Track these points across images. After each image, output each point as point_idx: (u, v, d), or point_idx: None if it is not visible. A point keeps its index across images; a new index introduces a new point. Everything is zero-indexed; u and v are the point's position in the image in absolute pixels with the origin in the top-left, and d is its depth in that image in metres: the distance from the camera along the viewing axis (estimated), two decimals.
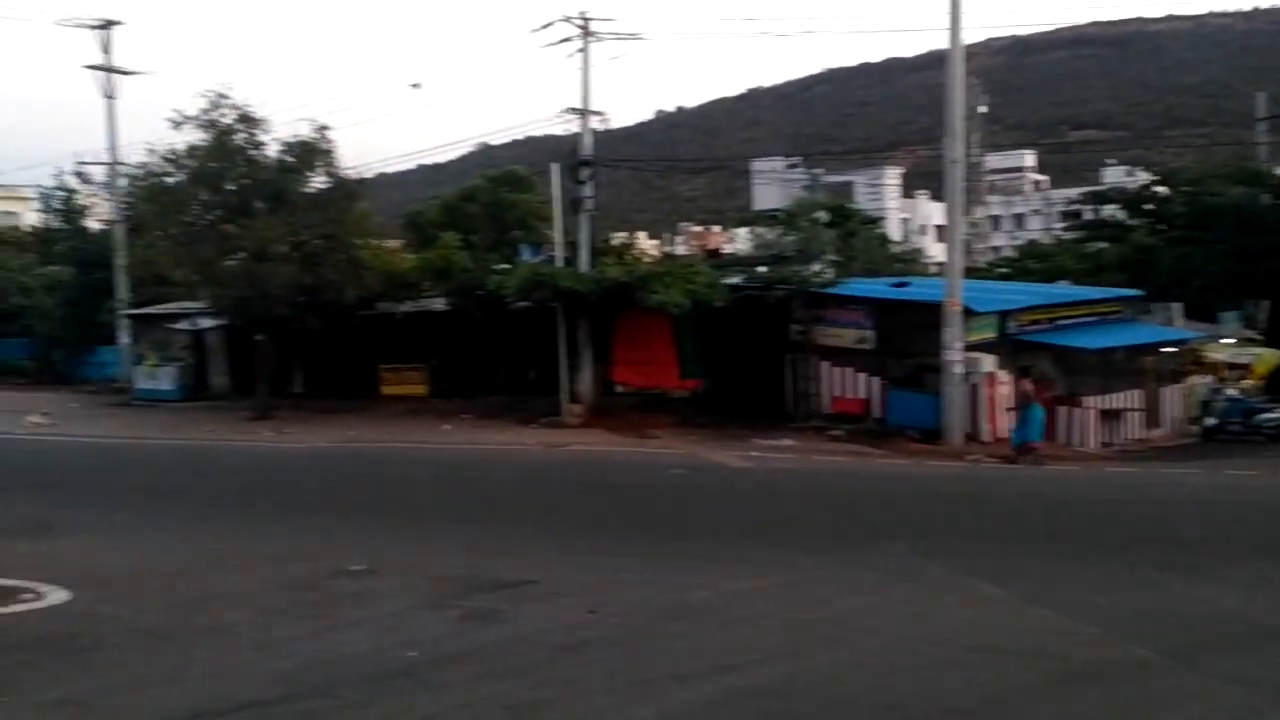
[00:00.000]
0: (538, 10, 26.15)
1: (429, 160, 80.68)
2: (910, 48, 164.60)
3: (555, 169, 23.45)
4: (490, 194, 33.81)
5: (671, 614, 7.41)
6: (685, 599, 7.81)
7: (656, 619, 7.28)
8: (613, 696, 5.65)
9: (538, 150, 46.45)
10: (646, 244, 44.05)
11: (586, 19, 23.87)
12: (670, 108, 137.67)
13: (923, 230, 65.75)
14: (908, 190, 71.91)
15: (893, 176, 68.89)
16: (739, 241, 32.49)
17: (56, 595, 7.85)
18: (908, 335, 20.52)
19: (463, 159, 69.58)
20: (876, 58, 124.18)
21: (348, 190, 24.96)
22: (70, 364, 37.13)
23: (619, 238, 33.80)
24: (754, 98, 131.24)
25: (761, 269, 23.98)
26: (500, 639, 6.79)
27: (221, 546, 10.28)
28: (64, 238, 38.00)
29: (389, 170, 50.80)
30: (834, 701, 5.71)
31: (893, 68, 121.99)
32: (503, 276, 22.69)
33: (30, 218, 54.22)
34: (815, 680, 6.02)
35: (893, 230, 54.24)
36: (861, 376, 21.13)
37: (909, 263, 39.31)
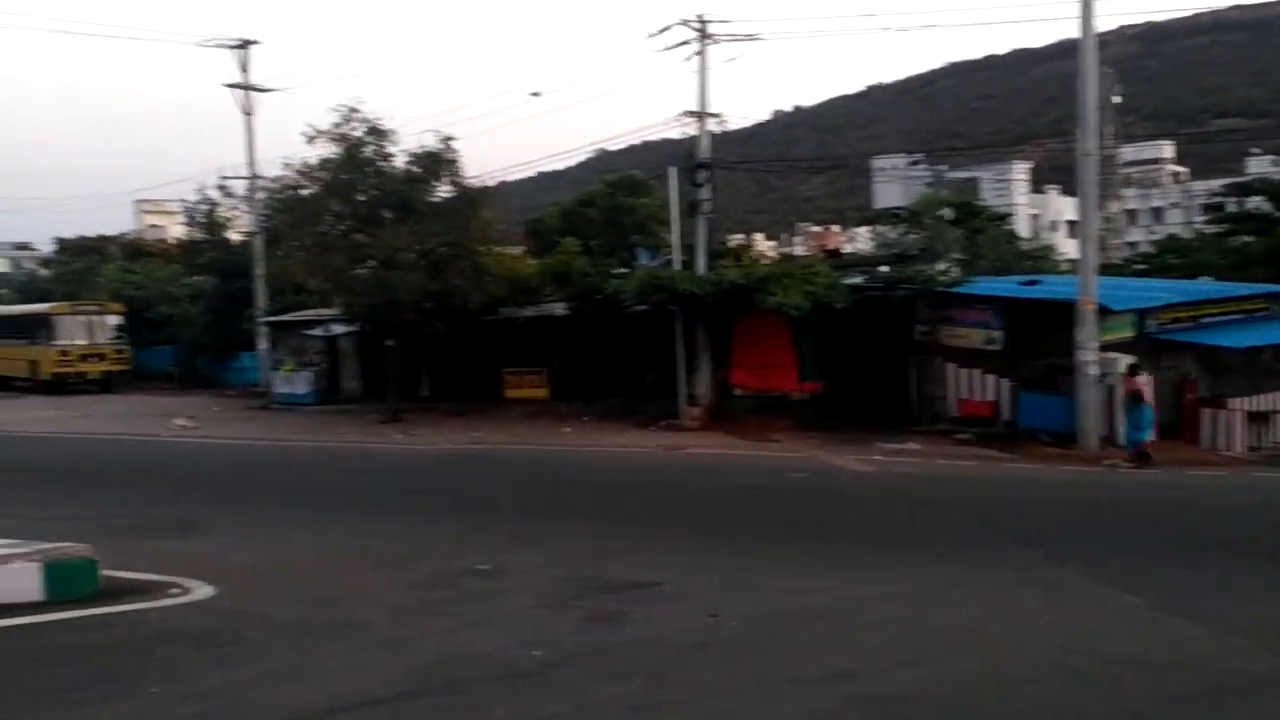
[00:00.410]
0: (655, 15, 26.30)
1: (548, 167, 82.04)
2: (1038, 38, 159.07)
3: (672, 172, 23.48)
4: (608, 199, 34.16)
5: (793, 618, 7.33)
6: (807, 603, 7.71)
7: (778, 623, 7.22)
8: (734, 700, 5.62)
9: (655, 155, 46.67)
10: (764, 245, 43.79)
11: (704, 21, 23.83)
12: (788, 107, 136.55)
13: (1054, 226, 63.55)
14: (1037, 185, 69.41)
15: (1021, 171, 66.68)
16: (859, 241, 31.95)
17: (201, 590, 8.24)
18: (1039, 335, 19.79)
19: (581, 165, 70.37)
20: (1002, 49, 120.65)
21: (472, 199, 25.51)
22: (213, 369, 39.09)
23: (736, 240, 33.70)
24: (874, 95, 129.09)
25: (883, 269, 23.51)
26: (623, 640, 6.84)
27: (354, 545, 10.66)
28: (207, 249, 39.94)
29: (510, 178, 51.66)
30: (961, 711, 5.56)
31: (1020, 59, 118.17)
32: (621, 280, 22.84)
33: (176, 231, 57.23)
34: (942, 689, 5.87)
35: (1021, 227, 52.57)
36: (990, 378, 20.48)
37: (1039, 260, 37.97)
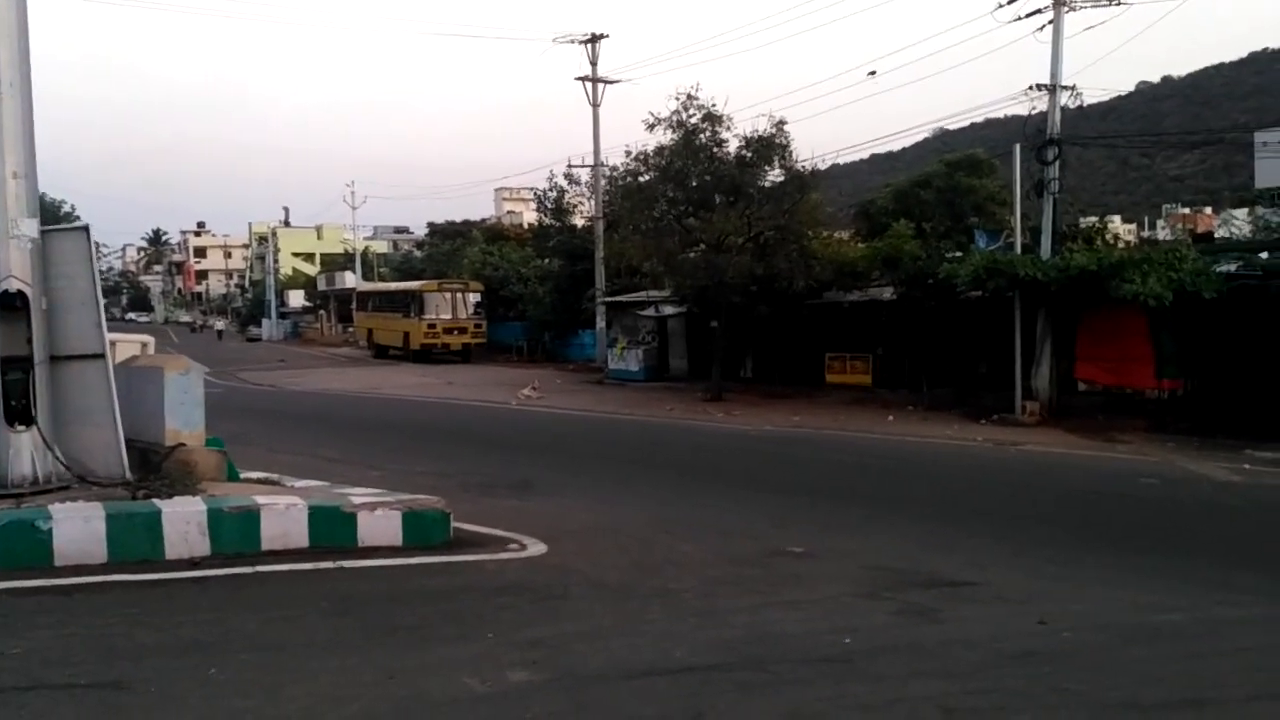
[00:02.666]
0: None
1: (883, 149, 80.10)
2: None
3: (1016, 150, 22.08)
4: (946, 179, 32.79)
5: (1132, 635, 6.69)
6: (1150, 620, 7.01)
7: (1114, 638, 6.61)
8: (1058, 714, 5.22)
9: (998, 133, 44.17)
10: (1121, 229, 40.12)
11: None
12: (1154, 78, 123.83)
13: None
14: None
15: None
16: (1235, 225, 28.43)
17: (536, 547, 8.86)
18: None
19: (918, 145, 68.22)
20: None
21: (801, 182, 25.45)
22: (557, 345, 41.96)
23: (1088, 222, 31.09)
24: (1258, 61, 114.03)
25: (1263, 255, 20.78)
26: (937, 638, 6.55)
27: (674, 514, 11.03)
28: (555, 233, 42.86)
29: (842, 160, 51.03)
30: None
31: None
32: (955, 264, 21.86)
33: (530, 216, 61.74)
34: None
35: None
36: None
37: None
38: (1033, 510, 12.00)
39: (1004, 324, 21.35)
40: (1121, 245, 25.58)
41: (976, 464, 15.84)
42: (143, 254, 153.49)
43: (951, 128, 60.99)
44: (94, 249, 8.73)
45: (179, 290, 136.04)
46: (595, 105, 37.85)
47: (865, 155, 71.52)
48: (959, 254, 23.38)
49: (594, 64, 37.79)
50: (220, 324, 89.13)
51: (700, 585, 7.78)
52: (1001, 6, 22.59)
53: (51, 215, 70.53)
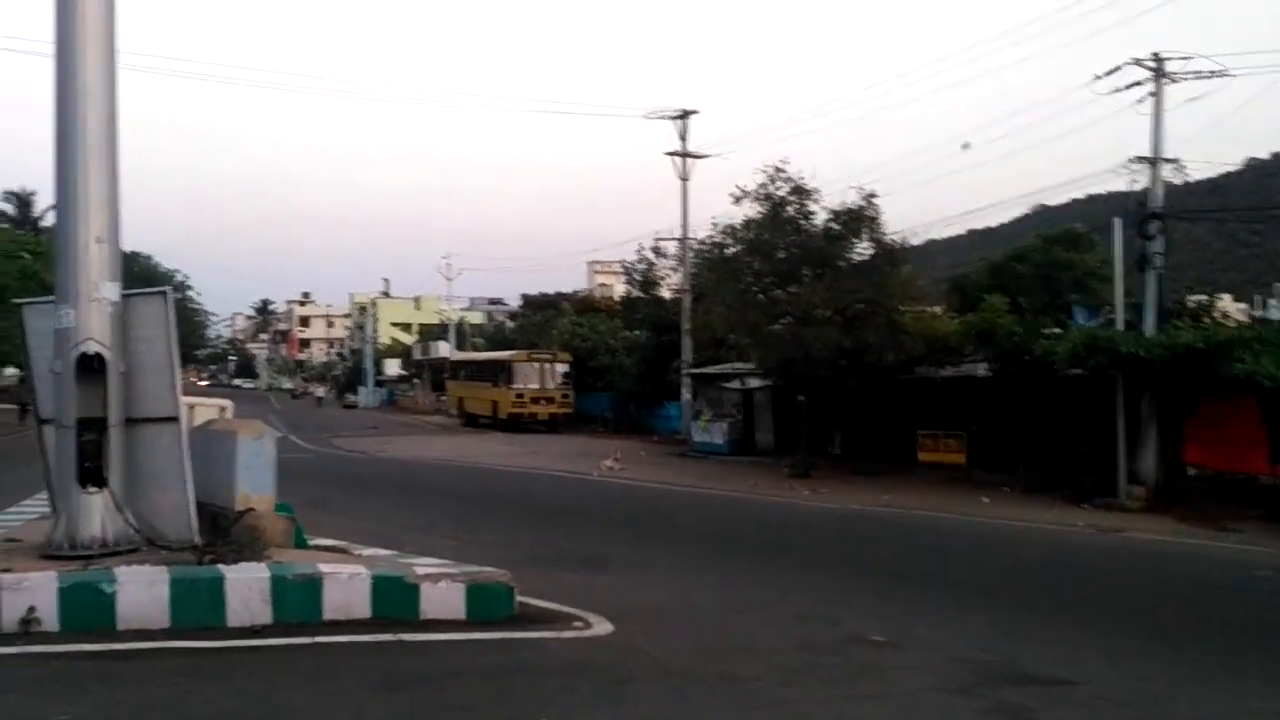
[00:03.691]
0: (1101, 57, 24.24)
1: (980, 224, 78.92)
2: None
3: (1117, 224, 21.30)
4: (1043, 254, 32.01)
5: None
6: None
7: None
8: None
9: (1099, 209, 43.03)
10: (1231, 307, 38.50)
11: (1160, 60, 21.59)
12: (1264, 154, 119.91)
13: None
14: None
15: None
16: None
17: (601, 626, 8.51)
18: None
19: (1016, 221, 66.85)
20: None
21: (891, 255, 25.01)
22: (642, 416, 41.76)
23: (1196, 300, 29.88)
24: None
25: None
26: None
27: (750, 596, 10.58)
28: (642, 305, 43.00)
29: (938, 235, 50.35)
30: None
31: None
32: (1053, 341, 21.06)
33: (620, 289, 62.23)
34: None
35: None
36: None
37: None
38: (1136, 603, 11.18)
39: (1106, 403, 20.39)
40: (1232, 323, 24.42)
41: (1076, 551, 14.97)
42: (250, 322, 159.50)
43: (1051, 203, 59.79)
44: (171, 313, 8.82)
45: (283, 357, 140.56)
46: (684, 179, 38.13)
47: (963, 230, 70.44)
48: (1057, 330, 22.56)
49: (683, 139, 38.15)
50: (320, 391, 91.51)
51: (772, 673, 7.34)
52: (1099, 78, 22.06)
53: (165, 284, 73.93)
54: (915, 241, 26.02)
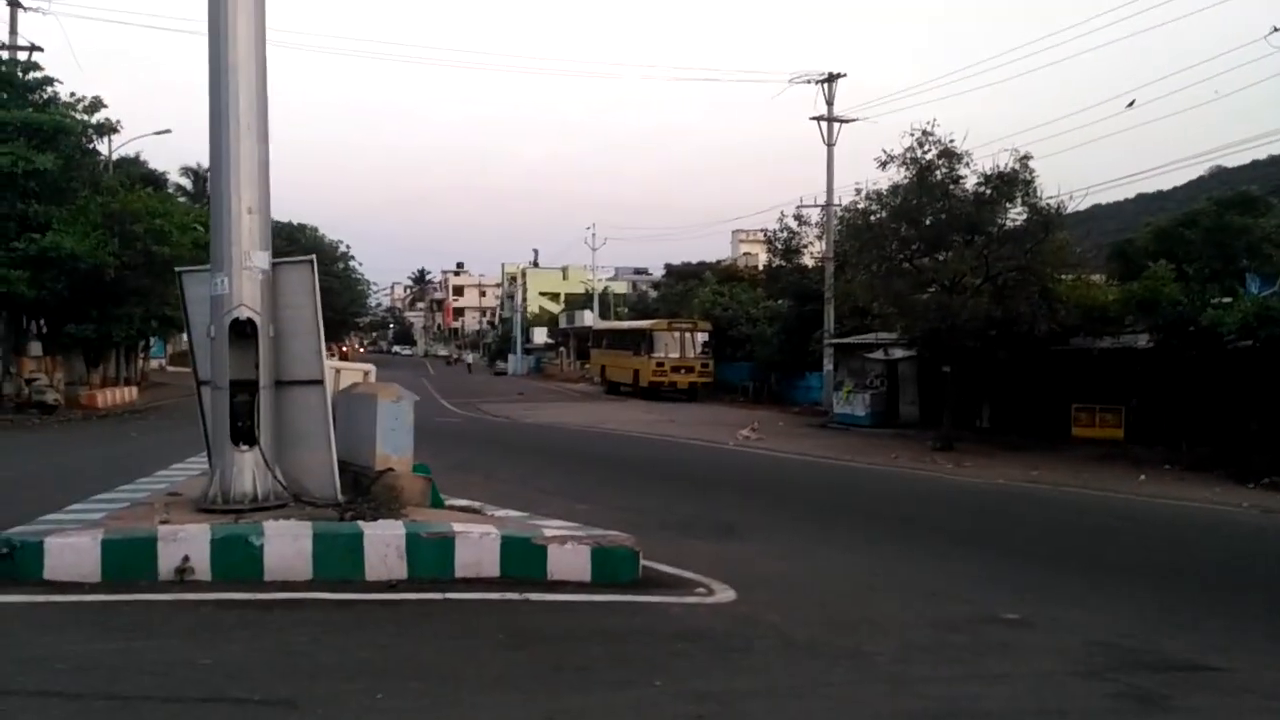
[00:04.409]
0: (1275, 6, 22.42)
1: (1150, 187, 74.57)
2: None
3: None
4: (1214, 218, 29.94)
5: None
6: None
7: None
8: None
9: None
10: None
11: None
12: None
13: None
14: None
15: None
16: None
17: (725, 594, 8.52)
18: None
19: (1190, 184, 62.88)
20: None
21: (1045, 221, 23.91)
22: (783, 387, 41.41)
23: None
24: None
25: None
26: None
27: (880, 569, 10.38)
28: (785, 274, 42.48)
29: (1104, 199, 47.89)
30: None
31: None
32: (1222, 311, 19.75)
33: (763, 257, 61.66)
34: None
35: None
36: None
37: None
38: None
39: (1278, 377, 19.02)
40: None
41: (1238, 533, 14.06)
42: (408, 291, 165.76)
43: (1229, 164, 55.98)
44: (316, 281, 9.23)
45: (438, 325, 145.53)
46: (830, 144, 37.32)
47: (1131, 194, 66.71)
48: (1227, 299, 21.13)
49: (830, 103, 37.31)
50: (470, 358, 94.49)
51: (897, 649, 7.19)
52: (1276, 30, 20.39)
53: (330, 255, 77.39)
54: (1075, 206, 24.80)
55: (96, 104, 31.78)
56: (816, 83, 37.54)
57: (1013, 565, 10.99)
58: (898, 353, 29.51)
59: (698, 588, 8.67)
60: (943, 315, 23.80)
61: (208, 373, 9.39)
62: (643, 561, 8.86)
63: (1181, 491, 17.61)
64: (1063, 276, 24.83)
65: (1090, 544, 12.93)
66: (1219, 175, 58.90)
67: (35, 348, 32.94)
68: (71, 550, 7.81)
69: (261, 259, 8.97)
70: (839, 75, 37.51)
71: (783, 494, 17.25)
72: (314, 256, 9.52)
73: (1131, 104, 31.32)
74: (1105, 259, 32.23)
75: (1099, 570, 10.88)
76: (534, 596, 7.99)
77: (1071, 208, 24.49)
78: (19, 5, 32.83)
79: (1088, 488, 18.15)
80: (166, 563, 7.76)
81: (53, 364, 33.22)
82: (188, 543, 7.86)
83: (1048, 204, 24.00)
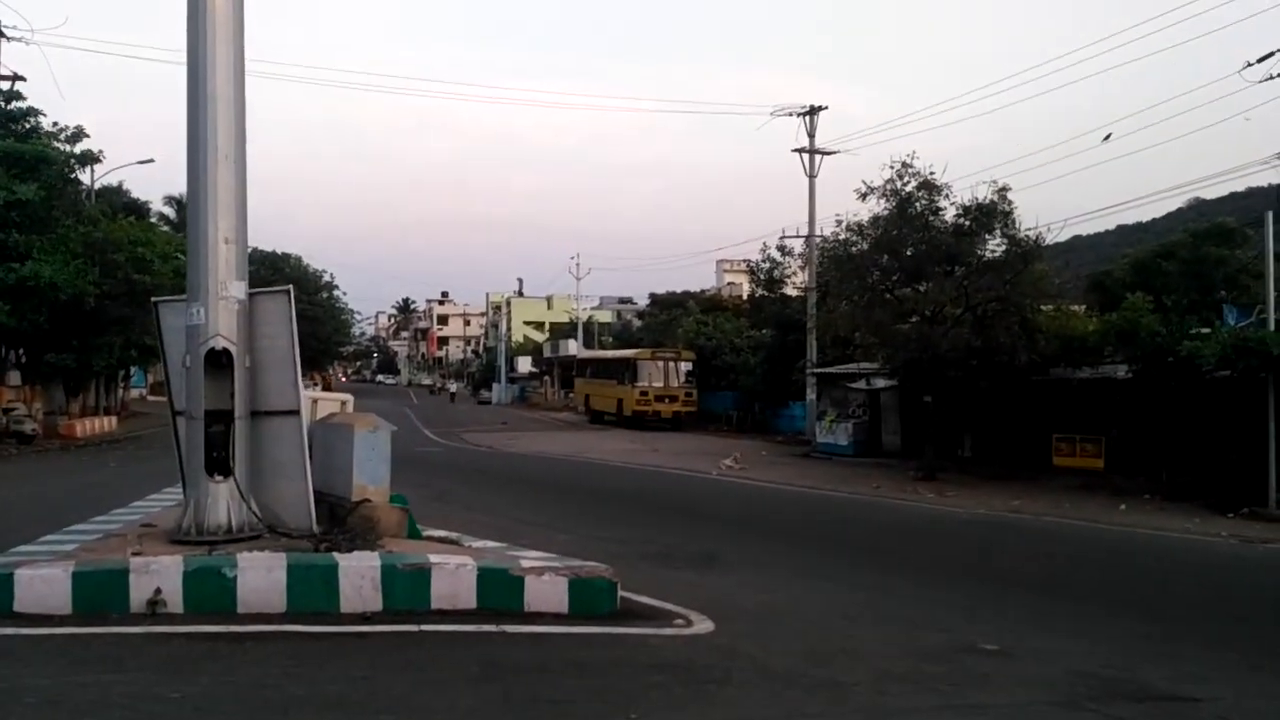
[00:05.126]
0: (1257, 40, 22.82)
1: (1130, 219, 75.36)
2: None
3: (1269, 217, 19.98)
4: (1190, 250, 30.27)
5: None
6: None
7: None
8: None
9: (1260, 202, 40.58)
10: None
11: None
12: None
13: None
14: None
15: None
16: None
17: (703, 625, 8.48)
18: None
19: (1168, 216, 63.57)
20: None
21: (1024, 252, 24.11)
22: (766, 416, 41.43)
23: None
24: None
25: None
26: None
27: (859, 600, 10.36)
28: (768, 304, 42.65)
29: (1083, 231, 48.33)
30: None
31: None
32: (1199, 342, 19.91)
33: (748, 287, 61.86)
34: None
35: None
36: None
37: None
38: (1274, 619, 10.47)
39: (1256, 408, 19.15)
40: None
41: (1217, 563, 14.11)
42: (392, 320, 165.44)
43: (1208, 196, 56.64)
44: (293, 310, 9.20)
45: (423, 355, 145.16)
46: (811, 176, 37.57)
47: (1111, 226, 67.37)
48: (1205, 330, 21.31)
49: (811, 135, 37.60)
50: (454, 387, 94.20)
51: (873, 680, 7.16)
52: (1250, 65, 20.69)
53: (313, 284, 77.31)
54: (1055, 237, 25.02)
55: (79, 134, 31.80)
56: (798, 115, 37.85)
57: (993, 595, 10.99)
58: (880, 382, 29.59)
59: (676, 619, 8.62)
60: (924, 345, 23.90)
61: (183, 403, 9.33)
62: (621, 592, 8.82)
63: (1162, 521, 17.67)
64: (1043, 307, 24.99)
65: (1071, 574, 12.95)
66: (1198, 207, 59.56)
67: (14, 377, 32.66)
68: (42, 582, 7.72)
69: (238, 289, 8.95)
70: (820, 108, 37.87)
71: (765, 524, 17.21)
72: (291, 287, 9.51)
73: (1108, 138, 31.78)
74: (1085, 290, 32.52)
75: (1079, 600, 10.89)
76: (510, 628, 7.93)
77: (1051, 239, 24.72)
78: (2, 35, 32.86)
79: (1069, 517, 18.20)
80: (138, 595, 7.67)
81: (31, 393, 32.94)
82: (160, 575, 7.77)
83: (1026, 235, 24.21)
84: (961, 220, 24.62)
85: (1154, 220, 64.62)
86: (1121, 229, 69.20)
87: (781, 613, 9.51)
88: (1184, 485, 20.43)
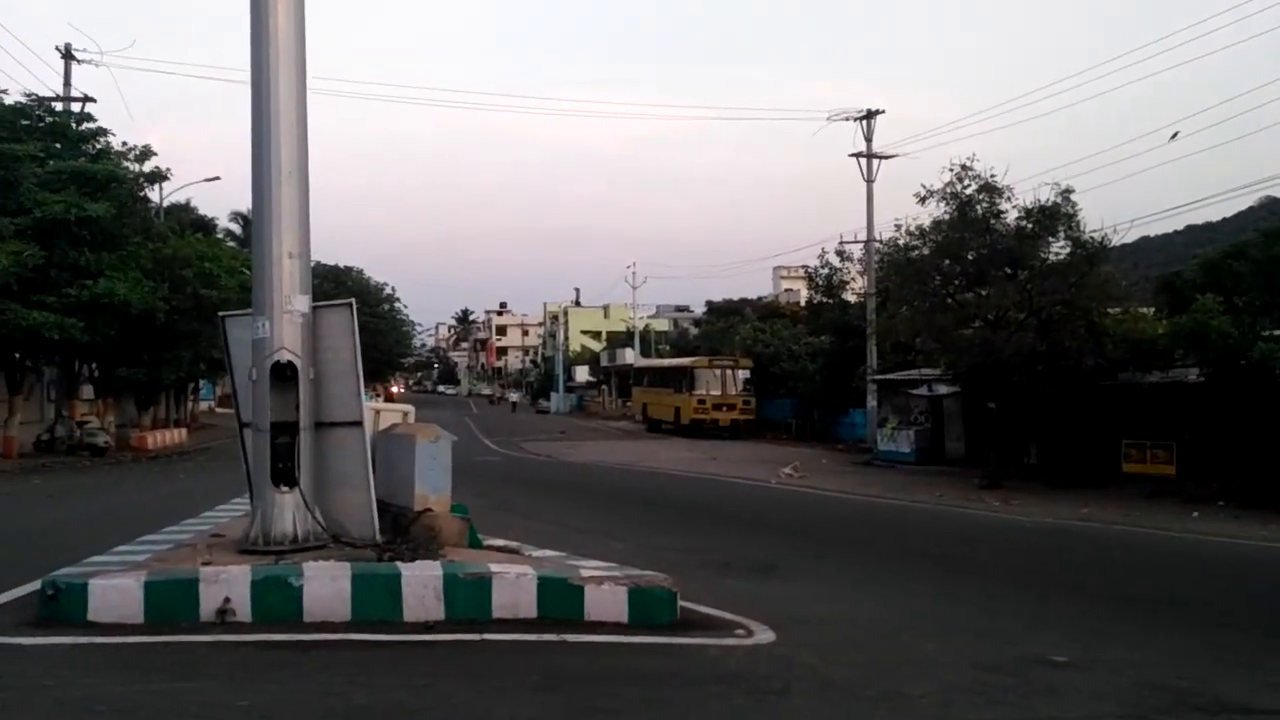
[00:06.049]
0: None
1: (1200, 219, 73.51)
2: None
3: None
4: (1263, 249, 29.28)
5: None
6: None
7: None
8: None
9: None
10: None
11: None
12: None
13: None
14: None
15: None
16: None
17: (764, 635, 8.41)
18: None
19: (1239, 215, 61.89)
20: None
21: (1089, 254, 23.65)
22: (826, 423, 41.09)
23: None
24: None
25: None
26: None
27: (924, 609, 10.20)
28: (827, 310, 42.30)
29: (1152, 232, 47.33)
30: None
31: None
32: (1273, 345, 19.34)
33: (805, 294, 61.46)
34: None
35: None
36: None
37: None
38: None
39: None
40: None
41: None
42: (452, 331, 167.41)
43: None
44: (355, 323, 9.35)
45: (482, 365, 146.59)
46: (869, 181, 37.31)
47: (1180, 226, 65.73)
48: (1278, 332, 20.68)
49: (869, 140, 37.34)
50: (514, 396, 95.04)
51: (938, 692, 7.04)
52: None
53: (375, 296, 78.48)
54: (1122, 239, 24.53)
55: (147, 153, 32.61)
56: (855, 119, 37.61)
57: (1061, 605, 10.75)
58: (942, 389, 29.20)
59: (736, 629, 8.57)
60: (987, 351, 23.55)
61: (249, 415, 9.53)
62: (681, 602, 8.78)
63: (1235, 529, 17.18)
64: (1110, 310, 24.49)
65: (1141, 583, 12.63)
66: (1269, 205, 57.86)
67: (87, 391, 33.62)
68: (115, 592, 7.92)
69: (302, 303, 9.12)
70: (877, 112, 37.57)
71: (825, 533, 17.06)
72: (353, 300, 9.67)
73: (1175, 136, 30.95)
74: (1154, 292, 31.73)
75: (1150, 610, 10.62)
76: (570, 638, 7.95)
77: (1117, 240, 24.25)
78: (72, 58, 33.92)
79: (1139, 525, 17.78)
80: (208, 604, 7.84)
81: (104, 407, 33.89)
82: (229, 584, 7.93)
83: (1091, 237, 23.76)
84: (1024, 223, 24.23)
85: (1224, 219, 62.93)
86: (1191, 229, 67.51)
87: (843, 622, 9.41)
88: (1259, 492, 19.84)
